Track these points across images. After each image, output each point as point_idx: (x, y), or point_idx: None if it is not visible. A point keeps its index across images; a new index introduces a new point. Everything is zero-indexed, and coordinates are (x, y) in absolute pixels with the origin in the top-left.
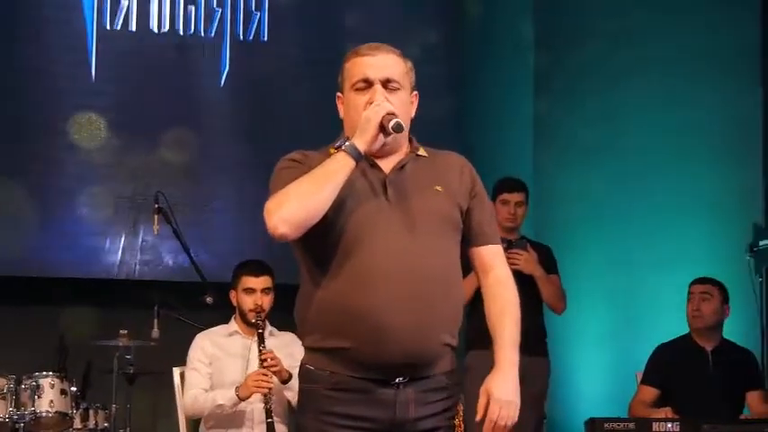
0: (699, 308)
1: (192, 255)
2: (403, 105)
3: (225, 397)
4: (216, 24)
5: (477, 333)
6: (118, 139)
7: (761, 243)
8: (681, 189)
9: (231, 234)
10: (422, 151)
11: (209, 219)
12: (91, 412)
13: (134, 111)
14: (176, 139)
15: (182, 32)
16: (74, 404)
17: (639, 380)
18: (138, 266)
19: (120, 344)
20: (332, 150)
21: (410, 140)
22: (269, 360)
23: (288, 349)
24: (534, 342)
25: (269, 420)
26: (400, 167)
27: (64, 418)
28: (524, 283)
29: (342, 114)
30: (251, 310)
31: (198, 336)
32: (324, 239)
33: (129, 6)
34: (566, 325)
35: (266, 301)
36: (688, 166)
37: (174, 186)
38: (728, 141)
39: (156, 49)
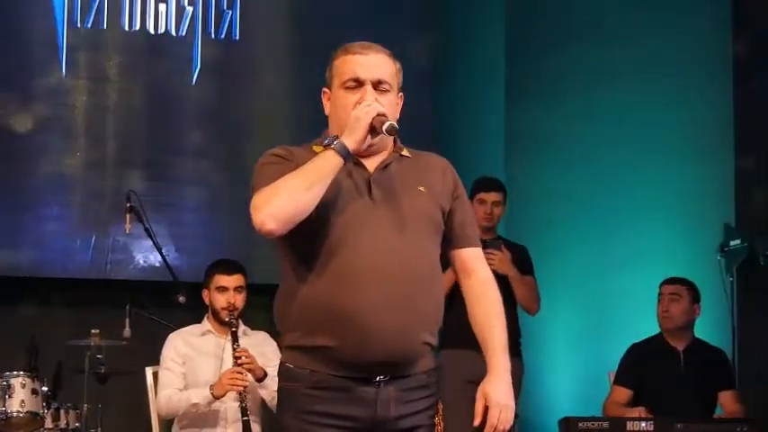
0: (668, 309)
1: (164, 254)
2: (391, 107)
3: (199, 396)
4: (187, 23)
5: (450, 332)
6: (88, 138)
7: (732, 243)
8: (653, 189)
9: (203, 233)
10: (405, 152)
11: (181, 218)
12: (62, 412)
13: (105, 109)
14: (148, 137)
15: (152, 31)
16: (45, 404)
17: (612, 380)
18: (109, 266)
19: (92, 343)
20: (315, 147)
21: (394, 141)
22: (243, 358)
23: (260, 348)
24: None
25: (245, 419)
26: (384, 167)
27: (35, 417)
28: (498, 283)
29: (327, 110)
30: (224, 309)
31: (171, 335)
32: (308, 237)
33: (100, 4)
34: (538, 325)
35: (239, 300)
36: (660, 166)
37: (145, 185)
38: (700, 142)
39: (128, 48)
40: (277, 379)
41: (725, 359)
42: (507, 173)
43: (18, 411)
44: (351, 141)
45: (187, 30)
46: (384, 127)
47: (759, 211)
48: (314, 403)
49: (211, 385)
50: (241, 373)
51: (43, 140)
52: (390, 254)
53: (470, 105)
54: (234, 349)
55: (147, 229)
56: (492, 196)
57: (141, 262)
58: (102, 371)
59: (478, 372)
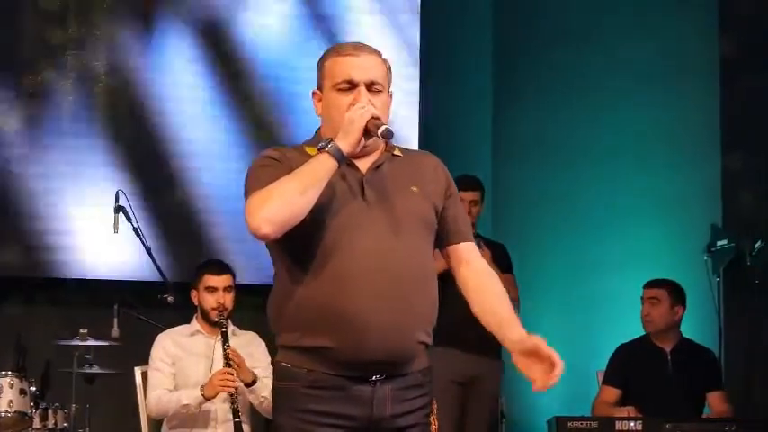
0: (648, 312)
1: (153, 253)
2: (384, 107)
3: (190, 397)
4: None
5: (437, 330)
6: (76, 137)
7: (718, 243)
8: (640, 190)
9: (192, 233)
10: (397, 151)
11: (169, 217)
12: (50, 412)
13: (93, 107)
14: (136, 137)
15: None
16: (33, 404)
17: (600, 379)
18: (97, 265)
19: (80, 343)
20: (307, 148)
21: (386, 140)
22: (233, 358)
23: (248, 349)
24: (485, 343)
25: (236, 420)
26: (376, 167)
27: (23, 417)
28: None
29: (318, 111)
30: (213, 309)
31: (159, 335)
32: (303, 239)
33: None
34: (527, 325)
35: (228, 300)
36: (647, 167)
37: (134, 185)
38: (687, 143)
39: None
40: (266, 383)
41: (713, 359)
42: (494, 175)
43: (6, 411)
44: (345, 144)
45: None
46: (380, 131)
47: (746, 211)
48: (310, 402)
49: (202, 386)
50: (232, 374)
51: (32, 138)
52: (385, 255)
53: (458, 107)
54: (224, 349)
55: (135, 229)
56: (470, 195)
57: (129, 261)
58: (91, 371)
59: (463, 371)
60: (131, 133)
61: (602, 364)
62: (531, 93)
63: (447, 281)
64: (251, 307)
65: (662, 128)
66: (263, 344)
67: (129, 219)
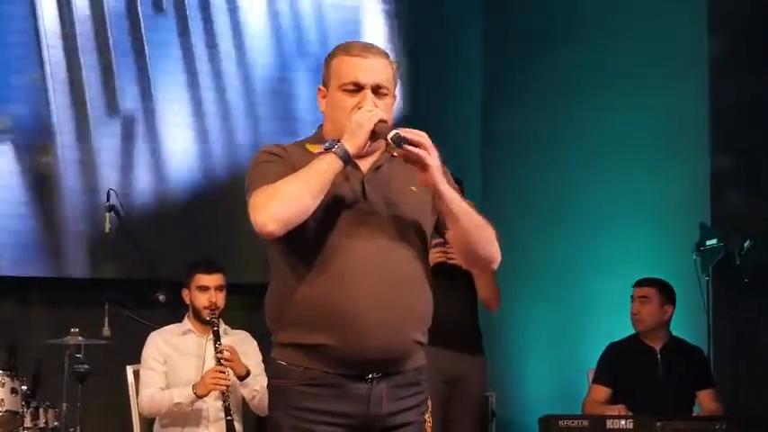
0: (638, 311)
1: (144, 252)
2: (389, 110)
3: (182, 395)
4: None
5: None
6: (67, 135)
7: (707, 242)
8: (629, 189)
9: (183, 232)
10: (397, 152)
11: (160, 216)
12: (41, 411)
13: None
14: (127, 136)
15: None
16: (24, 403)
17: (591, 378)
18: (88, 264)
19: (71, 342)
20: (309, 146)
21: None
22: (226, 353)
23: (241, 348)
24: (468, 340)
25: (228, 418)
26: (376, 168)
27: (14, 416)
28: (459, 278)
29: (322, 108)
30: (205, 308)
31: (151, 335)
32: (304, 238)
33: None
34: (517, 324)
35: (220, 299)
36: (636, 166)
37: (124, 184)
38: (676, 142)
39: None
40: (257, 377)
41: (702, 357)
42: (483, 175)
43: None
44: (352, 146)
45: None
46: (390, 137)
47: (735, 210)
48: (306, 400)
49: (194, 384)
50: (224, 372)
51: (21, 138)
52: (385, 255)
53: (447, 107)
54: (216, 347)
55: (126, 227)
56: None
57: (120, 260)
58: (82, 370)
59: (446, 370)
60: (122, 131)
61: (593, 362)
62: (520, 93)
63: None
64: (242, 306)
65: (651, 127)
66: (255, 343)
67: (119, 217)
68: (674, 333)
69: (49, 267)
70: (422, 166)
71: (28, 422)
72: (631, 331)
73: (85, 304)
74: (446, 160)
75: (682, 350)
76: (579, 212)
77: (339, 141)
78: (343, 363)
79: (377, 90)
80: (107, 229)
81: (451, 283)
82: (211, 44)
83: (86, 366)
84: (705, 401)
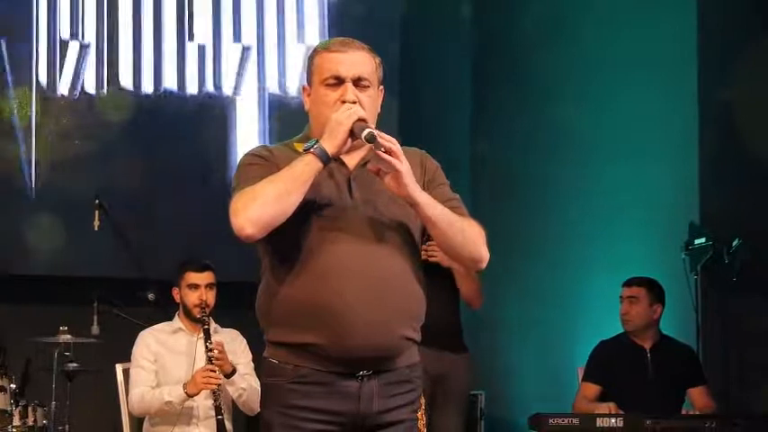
0: (627, 311)
1: (133, 251)
2: (372, 103)
3: (173, 394)
4: None
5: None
6: (57, 134)
7: (696, 242)
8: (618, 188)
9: (172, 231)
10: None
11: (149, 215)
12: (30, 409)
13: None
14: (118, 136)
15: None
16: (13, 401)
17: (581, 376)
18: (78, 263)
19: (60, 341)
20: (296, 145)
21: None
22: (216, 352)
23: (230, 347)
24: (451, 338)
25: (219, 417)
26: (363, 164)
27: (3, 415)
28: (442, 276)
29: (307, 106)
30: (195, 306)
31: (142, 333)
32: (290, 236)
33: None
34: (504, 323)
35: (210, 297)
36: (625, 165)
37: (114, 182)
38: (665, 140)
39: None
40: (246, 376)
41: (693, 356)
42: (472, 176)
43: None
44: (330, 145)
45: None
46: (363, 135)
47: (723, 209)
48: (297, 398)
49: (185, 383)
50: (214, 371)
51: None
52: (371, 252)
53: (437, 106)
54: (206, 345)
55: (115, 226)
56: None
57: (110, 259)
58: (71, 368)
59: (433, 369)
60: (113, 130)
61: (582, 361)
62: (510, 91)
63: None
64: (232, 305)
65: (640, 125)
66: (245, 341)
67: (109, 216)
68: (663, 332)
69: (37, 266)
70: (393, 173)
71: (16, 420)
72: (620, 329)
73: (75, 303)
74: (441, 161)
75: (672, 349)
76: (568, 212)
77: (318, 141)
78: (330, 360)
79: (358, 82)
80: (96, 227)
81: (432, 280)
82: None
83: (75, 365)
84: (697, 398)
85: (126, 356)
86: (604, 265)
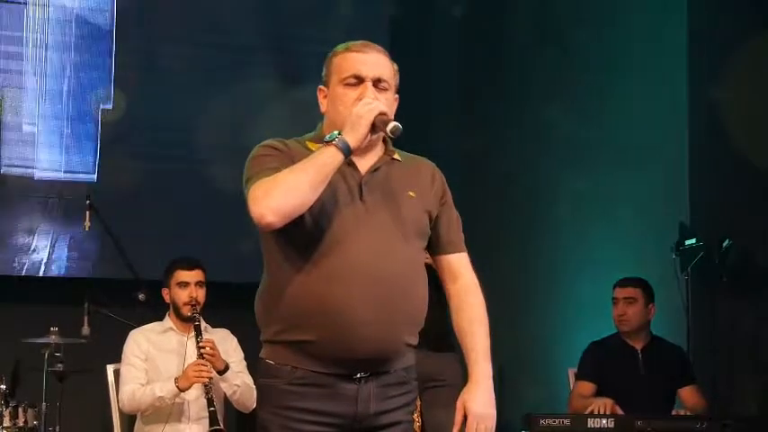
0: (624, 312)
1: (124, 251)
2: (389, 106)
3: (164, 389)
4: None
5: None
6: (46, 133)
7: (686, 242)
8: (609, 189)
9: (162, 231)
10: (396, 155)
11: (140, 215)
12: (20, 410)
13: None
14: (109, 136)
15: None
16: (3, 402)
17: (572, 376)
18: (68, 263)
19: (51, 341)
20: (309, 143)
21: (384, 142)
22: (208, 348)
23: (222, 346)
24: (438, 338)
25: (211, 409)
26: (375, 170)
27: None
28: (429, 276)
29: (323, 108)
30: (186, 304)
31: (132, 332)
32: (298, 235)
33: None
34: (496, 325)
35: (200, 294)
36: (616, 165)
37: (105, 182)
38: (654, 141)
39: None
40: (239, 374)
41: (684, 356)
42: (463, 177)
43: None
44: (352, 138)
45: None
46: (388, 128)
47: (714, 210)
48: (295, 399)
49: (176, 378)
50: (206, 365)
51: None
52: (378, 257)
53: (426, 106)
54: (198, 342)
55: (106, 226)
56: None
57: (100, 259)
58: (61, 369)
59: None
60: (101, 129)
61: (574, 362)
62: (500, 92)
63: None
64: (223, 305)
65: (630, 125)
66: (235, 340)
67: (99, 216)
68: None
69: (28, 266)
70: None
71: (7, 421)
72: (610, 330)
73: (65, 303)
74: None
75: (663, 349)
76: (558, 213)
77: (340, 134)
78: (329, 361)
79: (377, 83)
80: (87, 227)
81: None
82: None
83: (66, 365)
84: (688, 398)
85: (117, 357)
86: (594, 265)
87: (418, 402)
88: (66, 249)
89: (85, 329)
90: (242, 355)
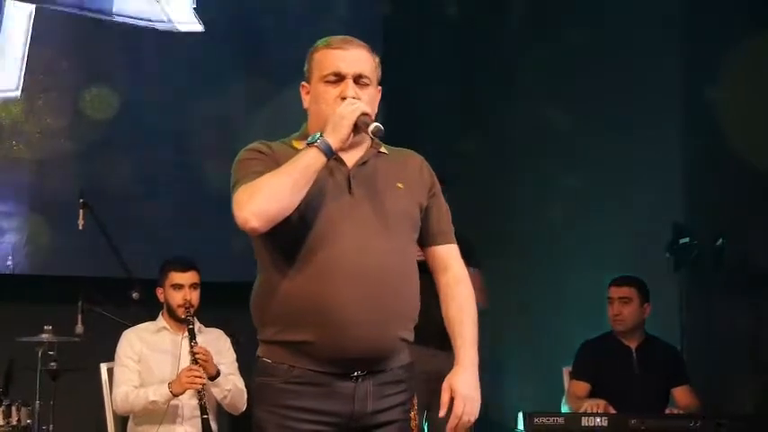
0: (619, 312)
1: (118, 250)
2: (371, 101)
3: (158, 393)
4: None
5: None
6: (41, 134)
7: (680, 241)
8: (603, 188)
9: (157, 230)
10: (383, 149)
11: (134, 214)
12: (14, 409)
13: (54, 105)
14: (103, 135)
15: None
16: None
17: (566, 375)
18: (62, 261)
19: (44, 340)
20: (295, 143)
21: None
22: (201, 355)
23: (215, 346)
24: (442, 336)
25: (204, 417)
26: (362, 163)
27: None
28: (424, 274)
29: (306, 104)
30: (180, 306)
31: (125, 332)
32: (288, 233)
33: None
34: (491, 325)
35: (194, 297)
36: (610, 163)
37: (98, 181)
38: (649, 139)
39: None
40: (230, 377)
41: (678, 355)
42: (459, 172)
43: None
44: (334, 140)
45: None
46: (370, 129)
47: (708, 209)
48: (291, 398)
49: (170, 383)
50: (199, 371)
51: None
52: (369, 251)
53: (422, 105)
54: (191, 347)
55: (100, 225)
56: None
57: (94, 258)
58: (55, 367)
59: (427, 366)
60: (94, 127)
61: (568, 361)
62: (497, 90)
63: None
64: (217, 305)
65: (625, 124)
66: (229, 341)
67: (93, 214)
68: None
69: (20, 264)
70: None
71: (0, 420)
72: (605, 329)
73: (59, 302)
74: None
75: (657, 349)
76: (552, 212)
77: (321, 135)
78: (325, 360)
79: (358, 80)
80: (81, 226)
81: (421, 278)
82: None
83: (60, 364)
84: (680, 397)
85: (110, 356)
86: (589, 264)
87: (415, 401)
88: (60, 247)
89: (79, 328)
90: (234, 356)
